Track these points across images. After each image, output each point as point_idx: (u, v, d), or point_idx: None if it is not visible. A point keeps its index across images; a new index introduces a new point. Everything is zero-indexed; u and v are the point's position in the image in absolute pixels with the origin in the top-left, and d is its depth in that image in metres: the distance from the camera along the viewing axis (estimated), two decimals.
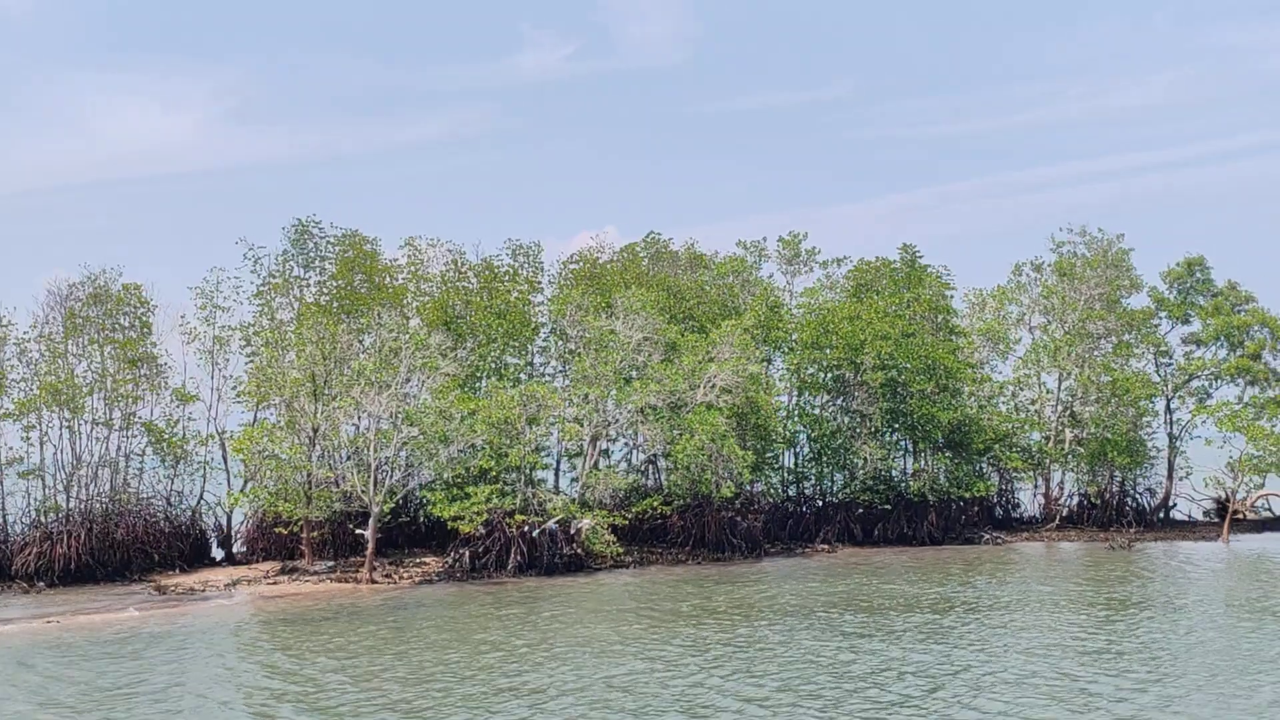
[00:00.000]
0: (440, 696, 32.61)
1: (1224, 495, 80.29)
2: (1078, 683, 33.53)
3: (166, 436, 63.16)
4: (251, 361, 65.46)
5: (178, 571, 60.64)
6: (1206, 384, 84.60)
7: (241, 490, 63.47)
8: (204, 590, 55.33)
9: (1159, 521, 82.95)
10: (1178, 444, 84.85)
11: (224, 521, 66.21)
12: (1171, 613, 46.42)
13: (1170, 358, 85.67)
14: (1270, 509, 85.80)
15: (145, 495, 62.88)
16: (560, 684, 34.00)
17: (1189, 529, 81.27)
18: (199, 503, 65.34)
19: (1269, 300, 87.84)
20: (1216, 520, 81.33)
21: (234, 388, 65.82)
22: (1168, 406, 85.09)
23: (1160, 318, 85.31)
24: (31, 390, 59.83)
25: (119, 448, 62.16)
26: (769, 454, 74.15)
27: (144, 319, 63.45)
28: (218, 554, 65.68)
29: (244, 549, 65.60)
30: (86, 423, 60.94)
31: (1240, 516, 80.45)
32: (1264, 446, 74.87)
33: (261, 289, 67.46)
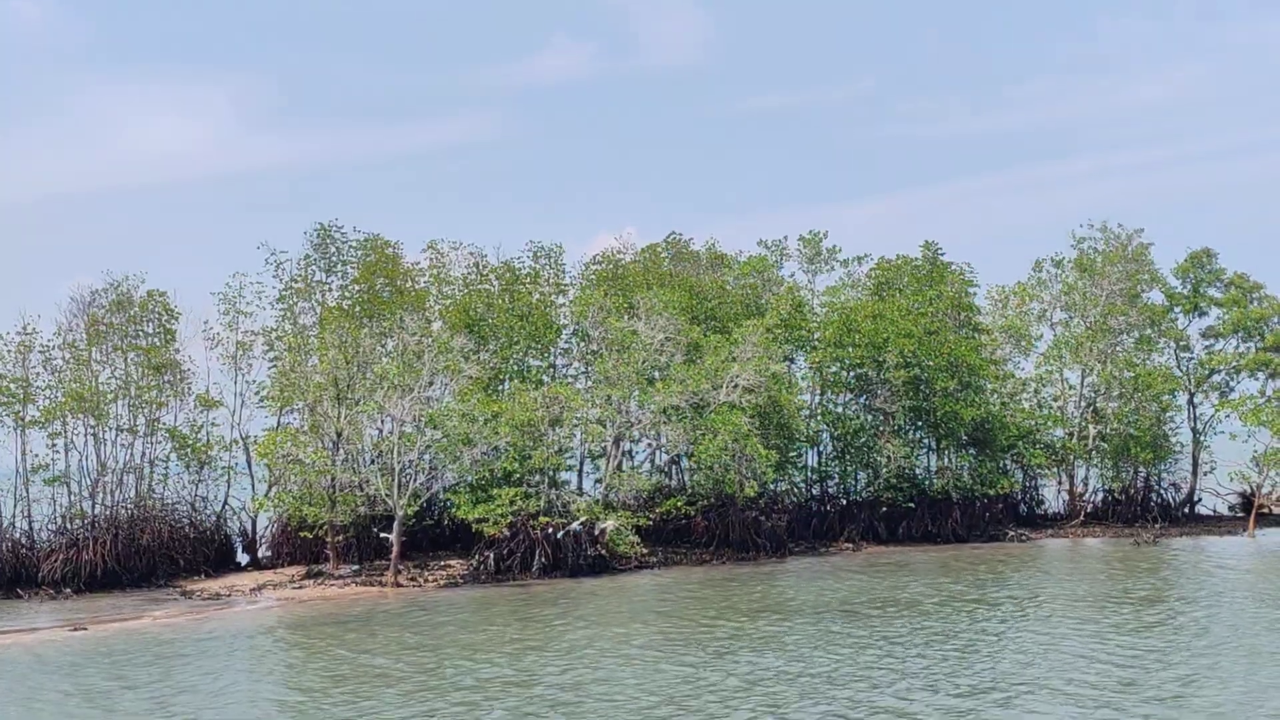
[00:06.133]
0: (477, 698, 32.58)
1: (1249, 490, 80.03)
2: (1116, 678, 33.40)
3: (190, 442, 63.20)
4: (274, 366, 65.48)
5: (203, 577, 60.69)
6: (1227, 378, 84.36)
7: (266, 495, 63.67)
8: (230, 595, 55.42)
9: (1184, 517, 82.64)
10: (1202, 439, 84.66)
11: (249, 526, 66.18)
12: (1205, 607, 46.25)
13: (1191, 352, 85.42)
14: None
15: (170, 501, 63.01)
16: (594, 686, 33.97)
17: (1214, 524, 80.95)
18: (223, 508, 65.39)
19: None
20: (1242, 515, 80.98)
21: (257, 393, 65.91)
22: (1190, 401, 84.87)
23: (1175, 313, 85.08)
24: (57, 398, 60.05)
25: (143, 454, 62.29)
26: (792, 453, 73.98)
27: (167, 325, 63.54)
28: (243, 559, 65.68)
29: (269, 554, 65.71)
30: (111, 429, 61.17)
31: (1266, 511, 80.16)
32: None
33: (284, 294, 67.34)
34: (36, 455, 60.16)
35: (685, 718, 30.09)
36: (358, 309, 67.44)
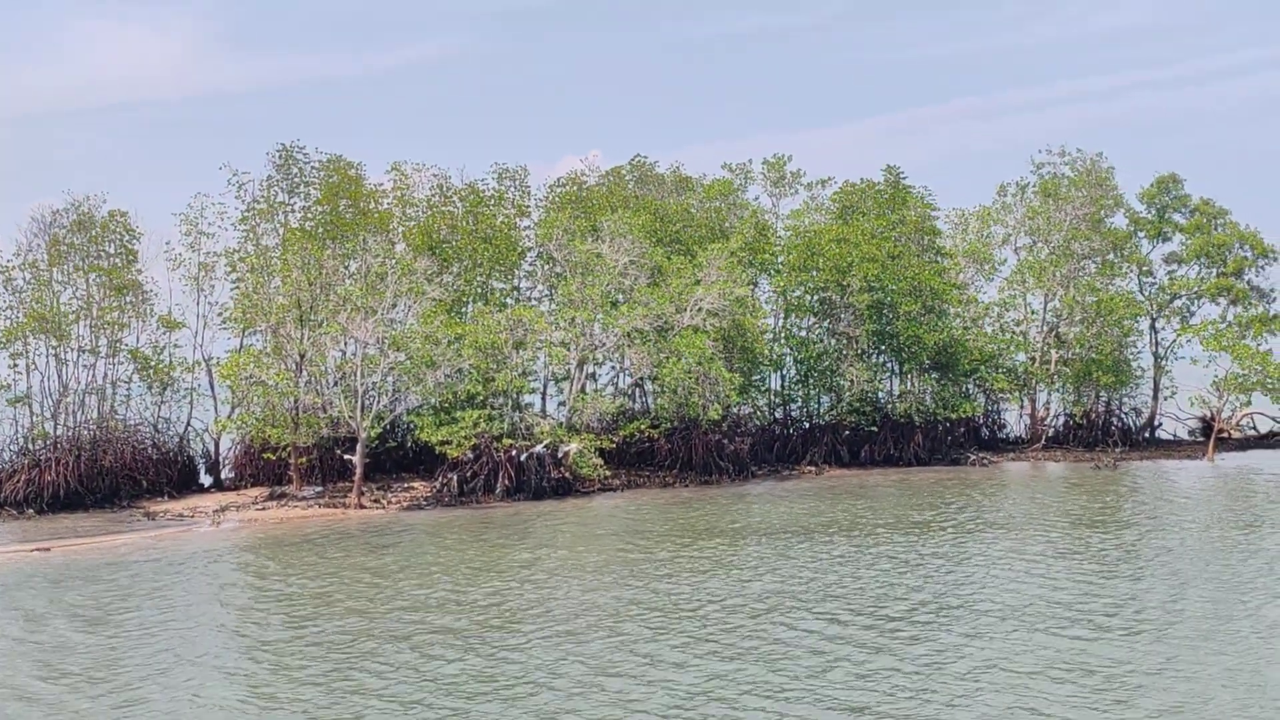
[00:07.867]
0: (434, 617, 32.76)
1: (1209, 414, 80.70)
2: (1073, 595, 33.75)
3: (153, 363, 63.11)
4: (237, 288, 65.25)
5: (166, 498, 60.84)
6: (1189, 303, 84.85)
7: (229, 416, 63.61)
8: (193, 516, 55.46)
9: (1144, 441, 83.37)
10: (1163, 364, 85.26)
11: (211, 448, 66.23)
12: (1161, 529, 46.66)
13: (1153, 277, 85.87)
14: (1255, 427, 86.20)
15: (133, 422, 63.05)
16: (551, 604, 34.18)
17: (1174, 448, 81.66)
18: (186, 429, 65.45)
19: (1244, 217, 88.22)
20: (1201, 439, 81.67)
21: (220, 314, 65.76)
22: (1152, 326, 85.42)
23: (1139, 238, 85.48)
24: (17, 318, 59.83)
25: (106, 375, 62.19)
26: (756, 376, 74.31)
27: (129, 246, 63.25)
28: (206, 480, 65.81)
29: (232, 475, 65.81)
30: (73, 350, 61.01)
31: (1225, 435, 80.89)
32: (1249, 365, 75.26)
33: (246, 215, 66.99)
34: None
35: (620, 638, 30.30)
36: (320, 230, 67.15)
